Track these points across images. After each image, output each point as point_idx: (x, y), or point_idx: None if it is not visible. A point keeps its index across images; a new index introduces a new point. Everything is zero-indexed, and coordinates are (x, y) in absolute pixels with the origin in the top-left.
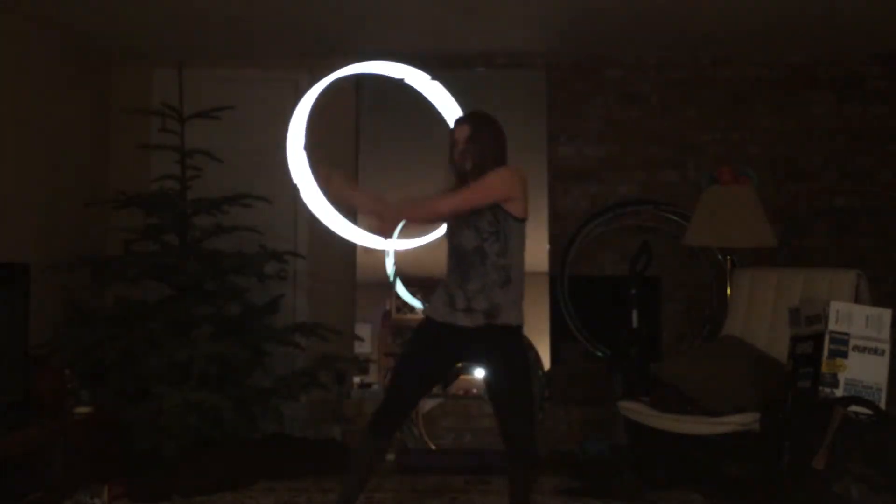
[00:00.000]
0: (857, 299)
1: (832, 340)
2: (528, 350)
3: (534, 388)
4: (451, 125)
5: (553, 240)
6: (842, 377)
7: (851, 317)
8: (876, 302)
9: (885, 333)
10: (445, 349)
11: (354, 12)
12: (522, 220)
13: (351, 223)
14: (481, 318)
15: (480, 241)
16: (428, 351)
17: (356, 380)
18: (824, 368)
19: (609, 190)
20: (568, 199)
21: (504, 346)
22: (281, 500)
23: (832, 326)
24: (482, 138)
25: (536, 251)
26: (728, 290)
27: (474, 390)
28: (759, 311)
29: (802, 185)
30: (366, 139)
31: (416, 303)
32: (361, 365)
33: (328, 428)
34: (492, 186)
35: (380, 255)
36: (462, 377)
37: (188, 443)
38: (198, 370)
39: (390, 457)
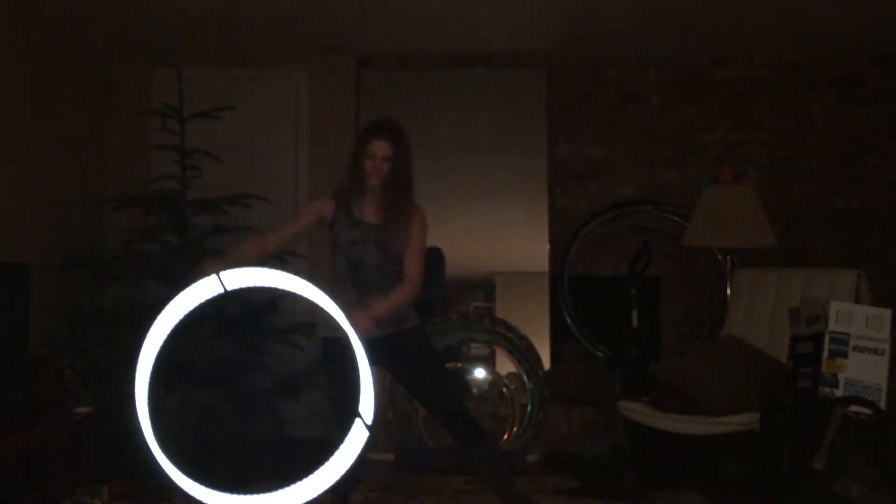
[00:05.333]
0: (857, 299)
1: (832, 340)
2: (529, 350)
3: (447, 370)
4: (367, 130)
5: (553, 240)
6: (842, 377)
7: (851, 317)
8: (876, 302)
9: (885, 333)
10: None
11: (354, 12)
12: None
13: None
14: (390, 327)
15: (385, 261)
16: (343, 372)
17: None
18: (824, 368)
19: (609, 190)
20: (568, 199)
21: (413, 342)
22: None
23: (832, 326)
24: (404, 164)
25: (536, 251)
26: (728, 290)
27: (473, 390)
28: (759, 311)
29: (802, 185)
30: None
31: None
32: None
33: (328, 428)
34: (423, 241)
35: None
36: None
37: (188, 443)
38: (198, 370)
39: (390, 457)
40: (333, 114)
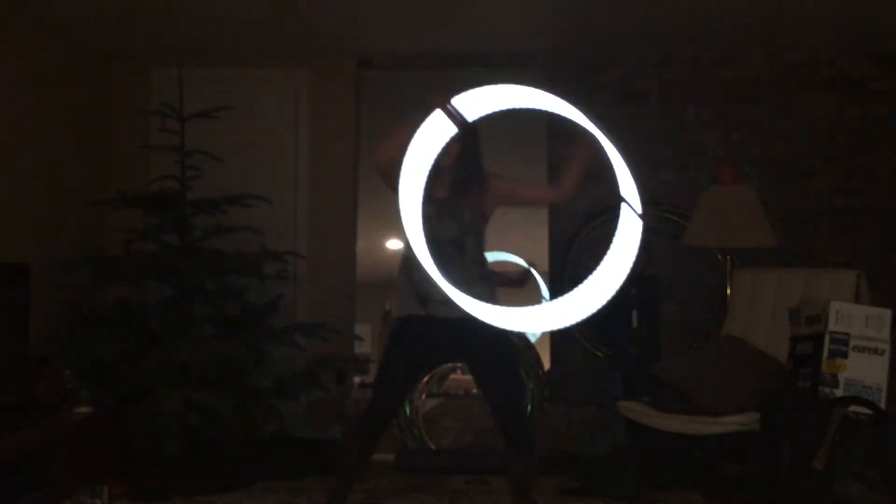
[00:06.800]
0: (857, 299)
1: (832, 340)
2: (529, 350)
3: (521, 372)
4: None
5: (553, 240)
6: (842, 377)
7: (851, 317)
8: (876, 302)
9: (885, 333)
10: (424, 344)
11: (354, 12)
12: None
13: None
14: (460, 310)
15: (461, 234)
16: (406, 352)
17: (356, 380)
18: (824, 368)
19: (609, 190)
20: None
21: (489, 329)
22: (281, 500)
23: (832, 326)
24: (472, 142)
25: (536, 251)
26: (728, 290)
27: (474, 390)
28: (759, 311)
29: (802, 185)
30: (366, 139)
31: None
32: (361, 365)
33: (328, 428)
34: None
35: (380, 256)
36: (462, 376)
37: (188, 443)
38: (198, 370)
39: (390, 457)
40: (333, 114)
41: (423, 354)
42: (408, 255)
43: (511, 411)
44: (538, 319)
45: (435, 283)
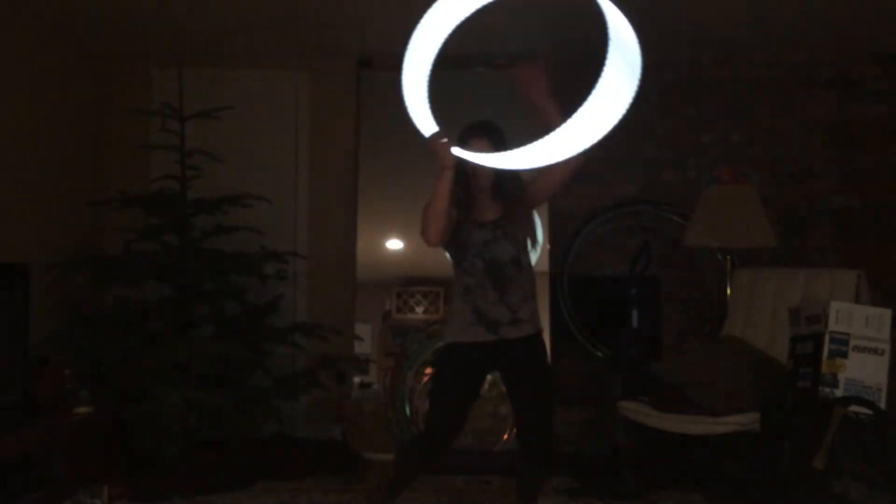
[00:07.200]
0: (858, 299)
1: (832, 340)
2: None
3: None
4: (464, 132)
5: (553, 240)
6: (842, 377)
7: (851, 317)
8: (876, 302)
9: (885, 333)
10: (483, 367)
11: (354, 12)
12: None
13: None
14: (527, 328)
15: (518, 253)
16: (473, 377)
17: (356, 380)
18: (824, 368)
19: (609, 190)
20: (568, 199)
21: (532, 350)
22: (281, 500)
23: (832, 326)
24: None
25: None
26: (728, 290)
27: None
28: (759, 311)
29: (802, 185)
30: (366, 137)
31: None
32: (361, 365)
33: (328, 428)
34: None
35: (380, 256)
36: None
37: (188, 443)
38: (198, 370)
39: (390, 457)
40: (333, 114)
41: (484, 376)
42: (468, 283)
43: (541, 430)
44: (552, 151)
45: (499, 307)
